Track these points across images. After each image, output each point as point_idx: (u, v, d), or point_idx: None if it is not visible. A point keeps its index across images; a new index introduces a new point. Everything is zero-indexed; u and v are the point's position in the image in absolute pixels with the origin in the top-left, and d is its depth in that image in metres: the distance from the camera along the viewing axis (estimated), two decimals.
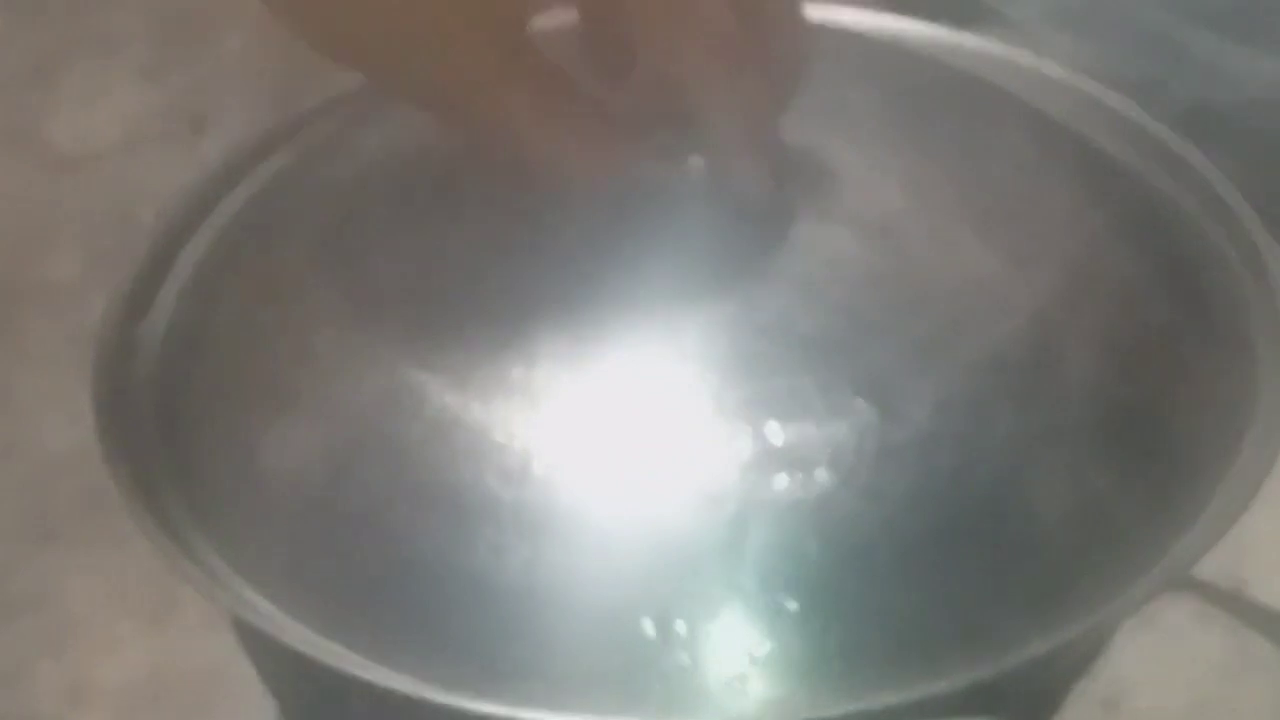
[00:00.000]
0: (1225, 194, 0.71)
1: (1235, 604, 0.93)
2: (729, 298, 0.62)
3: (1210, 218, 0.72)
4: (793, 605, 0.58)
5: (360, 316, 0.64)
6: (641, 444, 0.59)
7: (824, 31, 0.79)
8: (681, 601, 0.58)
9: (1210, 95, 1.01)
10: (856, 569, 0.58)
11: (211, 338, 0.70)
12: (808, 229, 0.64)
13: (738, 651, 0.58)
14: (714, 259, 0.63)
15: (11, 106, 1.34)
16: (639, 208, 0.64)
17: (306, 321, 0.66)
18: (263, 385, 0.67)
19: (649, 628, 0.57)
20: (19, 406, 1.12)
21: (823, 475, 0.58)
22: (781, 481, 0.58)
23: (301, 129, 0.78)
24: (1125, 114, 0.75)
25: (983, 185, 0.68)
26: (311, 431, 0.64)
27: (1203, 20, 1.03)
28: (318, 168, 0.74)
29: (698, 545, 0.58)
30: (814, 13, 0.79)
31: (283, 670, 0.66)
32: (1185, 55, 1.03)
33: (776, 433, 0.58)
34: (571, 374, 0.61)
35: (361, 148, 0.74)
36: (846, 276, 0.63)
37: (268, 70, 1.35)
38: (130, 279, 0.71)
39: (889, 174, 0.67)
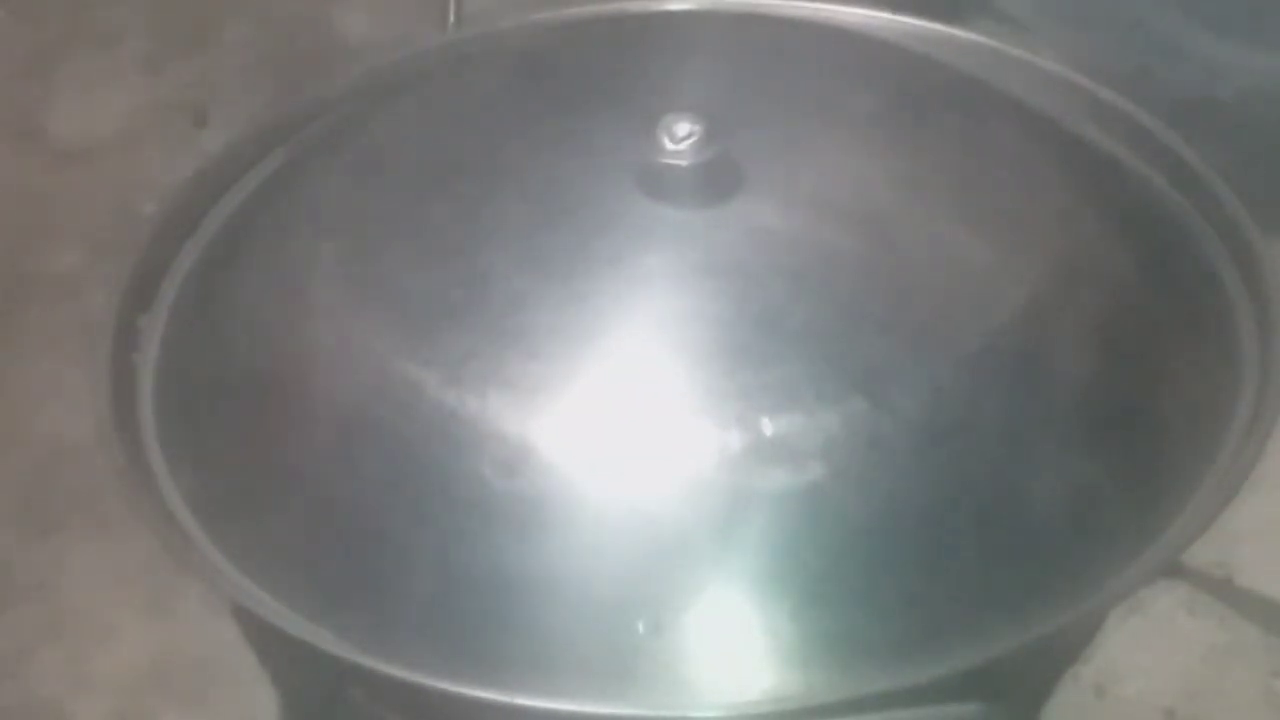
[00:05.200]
0: (1215, 187, 0.71)
1: (1225, 591, 0.94)
2: (721, 291, 0.62)
3: (1199, 210, 0.72)
4: (786, 594, 0.58)
5: (359, 309, 0.65)
6: (635, 435, 0.60)
7: (818, 28, 0.79)
8: (676, 590, 0.58)
9: (1201, 89, 1.02)
10: (849, 558, 0.58)
11: (212, 330, 0.70)
12: (799, 222, 0.65)
13: (732, 640, 0.58)
14: (706, 253, 0.63)
15: (12, 99, 1.34)
16: (633, 204, 0.64)
17: (305, 314, 0.67)
18: (262, 376, 0.67)
19: (643, 617, 0.58)
20: (19, 396, 1.12)
21: (815, 466, 0.58)
22: (774, 472, 0.58)
23: (300, 123, 0.78)
24: (1117, 107, 0.76)
25: (974, 179, 0.68)
26: (310, 422, 0.65)
27: (1194, 15, 1.04)
28: (317, 161, 0.74)
29: (691, 535, 0.59)
30: (808, 10, 0.80)
31: (284, 658, 0.67)
32: (1177, 49, 1.03)
33: (769, 424, 0.59)
34: (565, 367, 0.61)
35: (360, 142, 0.74)
36: (838, 269, 0.64)
37: (267, 64, 1.35)
38: (132, 270, 0.71)
39: (881, 167, 0.67)
